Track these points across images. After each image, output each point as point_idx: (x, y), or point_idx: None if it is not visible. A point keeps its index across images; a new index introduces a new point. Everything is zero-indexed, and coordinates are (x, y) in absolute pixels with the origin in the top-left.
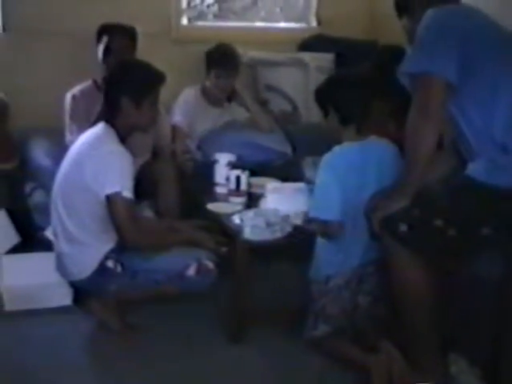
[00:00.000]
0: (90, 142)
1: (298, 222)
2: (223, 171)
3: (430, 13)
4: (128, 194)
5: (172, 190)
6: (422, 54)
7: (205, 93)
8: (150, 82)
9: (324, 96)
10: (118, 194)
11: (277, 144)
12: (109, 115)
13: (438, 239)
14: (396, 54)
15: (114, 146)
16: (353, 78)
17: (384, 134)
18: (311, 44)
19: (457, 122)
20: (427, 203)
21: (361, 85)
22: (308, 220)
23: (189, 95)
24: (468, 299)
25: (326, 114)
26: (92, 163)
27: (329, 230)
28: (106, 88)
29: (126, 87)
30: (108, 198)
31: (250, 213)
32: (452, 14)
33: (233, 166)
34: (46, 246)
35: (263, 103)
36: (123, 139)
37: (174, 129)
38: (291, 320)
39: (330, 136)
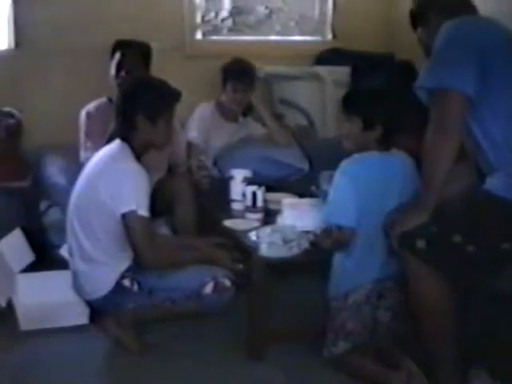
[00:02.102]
0: (105, 159)
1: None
2: (239, 187)
3: (446, 25)
4: (144, 212)
5: (188, 206)
6: (439, 68)
7: (220, 108)
8: (165, 100)
9: (353, 100)
10: (133, 212)
11: (293, 159)
12: (124, 133)
13: (457, 255)
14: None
15: (129, 164)
16: (381, 88)
17: (402, 147)
18: (327, 57)
19: (474, 135)
20: (445, 219)
21: (390, 95)
22: (322, 230)
23: (204, 111)
24: (488, 314)
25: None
26: (107, 181)
27: (341, 237)
28: (120, 106)
29: (141, 105)
30: (124, 216)
31: (267, 229)
32: (469, 26)
33: (249, 181)
34: (61, 264)
35: (279, 118)
36: (139, 157)
37: (190, 145)
38: (310, 337)
39: (347, 150)
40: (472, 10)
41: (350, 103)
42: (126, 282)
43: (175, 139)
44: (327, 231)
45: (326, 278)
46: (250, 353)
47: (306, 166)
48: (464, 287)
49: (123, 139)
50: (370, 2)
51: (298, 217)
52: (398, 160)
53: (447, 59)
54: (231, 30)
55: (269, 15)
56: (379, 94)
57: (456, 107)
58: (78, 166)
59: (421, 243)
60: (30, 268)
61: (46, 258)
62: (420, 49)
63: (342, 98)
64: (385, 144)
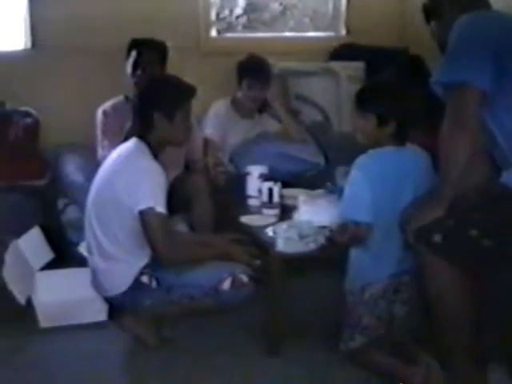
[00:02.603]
0: (122, 157)
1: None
2: (255, 183)
3: (461, 20)
4: (161, 209)
5: (205, 203)
6: (455, 62)
7: (236, 105)
8: (180, 96)
9: (367, 96)
10: (151, 210)
11: (309, 155)
12: (141, 131)
13: (473, 249)
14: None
15: (147, 162)
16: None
17: (415, 142)
18: (341, 53)
19: (491, 129)
20: (461, 213)
21: (403, 90)
22: (338, 226)
23: (220, 108)
24: (506, 309)
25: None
26: (125, 179)
27: (358, 232)
28: (137, 104)
29: (157, 103)
30: (141, 213)
31: (283, 225)
32: (484, 20)
33: (265, 177)
34: (80, 261)
35: (294, 114)
36: (156, 154)
37: (206, 142)
38: (327, 332)
39: (363, 145)
40: (486, 4)
41: (363, 100)
42: (145, 279)
43: (192, 136)
44: (343, 227)
45: (343, 272)
46: (267, 348)
47: (321, 162)
48: (480, 281)
49: (140, 137)
50: None
51: (314, 212)
52: (413, 155)
53: (463, 54)
54: (246, 27)
55: (283, 12)
56: (392, 90)
57: (472, 101)
58: (96, 164)
59: (437, 237)
60: (49, 266)
61: (64, 255)
62: (434, 43)
63: (356, 94)
64: (399, 139)
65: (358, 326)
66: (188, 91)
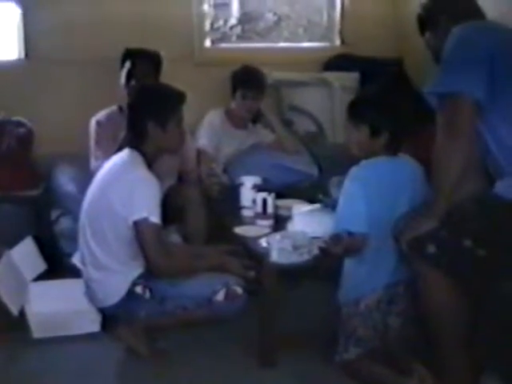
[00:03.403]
0: (116, 168)
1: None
2: (249, 194)
3: (455, 30)
4: (155, 219)
5: (198, 214)
6: (449, 73)
7: (229, 115)
8: (172, 103)
9: (360, 108)
10: (145, 220)
11: (303, 165)
12: (135, 141)
13: (467, 260)
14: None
15: (141, 172)
16: (387, 92)
17: (407, 151)
18: (335, 63)
19: (485, 139)
20: (455, 223)
21: (395, 101)
22: (331, 236)
23: (214, 118)
24: (500, 320)
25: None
26: (119, 189)
27: (352, 243)
28: (129, 115)
29: (149, 112)
30: (136, 223)
31: (277, 236)
32: (478, 30)
33: (259, 188)
34: (73, 272)
35: (288, 124)
36: (150, 164)
37: (200, 152)
38: (321, 343)
39: (356, 156)
40: (480, 14)
41: (356, 111)
42: (138, 289)
43: (185, 146)
44: (338, 237)
45: (337, 283)
46: (261, 359)
47: (315, 172)
48: (475, 292)
49: (134, 147)
50: (378, 7)
51: (308, 223)
52: (407, 165)
53: (457, 64)
54: (240, 38)
55: (277, 22)
56: (385, 101)
57: (466, 112)
58: (89, 175)
59: (431, 248)
60: (42, 277)
61: (57, 266)
62: (428, 54)
63: (348, 105)
64: (392, 149)
65: (353, 338)
66: (178, 97)
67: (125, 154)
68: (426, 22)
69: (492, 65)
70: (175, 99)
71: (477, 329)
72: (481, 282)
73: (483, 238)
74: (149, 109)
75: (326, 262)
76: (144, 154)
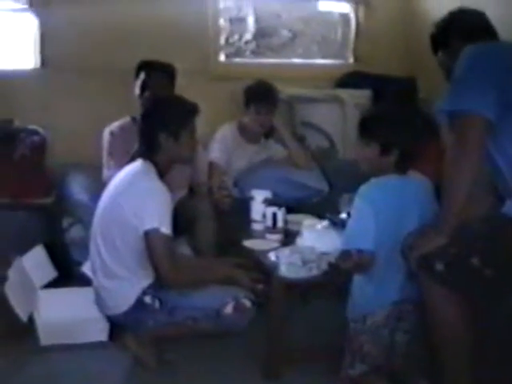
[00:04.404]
0: (129, 178)
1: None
2: (260, 208)
3: (468, 49)
4: (166, 230)
5: (208, 226)
6: (460, 91)
7: (242, 129)
8: (184, 115)
9: (371, 125)
10: (156, 230)
11: (314, 181)
12: (147, 152)
13: (475, 278)
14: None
15: (153, 183)
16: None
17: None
18: (348, 81)
19: (494, 158)
20: (464, 242)
21: (405, 118)
22: (341, 252)
23: (226, 132)
24: (506, 339)
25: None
26: (131, 199)
27: (361, 260)
28: (142, 126)
29: (162, 123)
30: (146, 234)
31: (286, 250)
32: (490, 50)
33: (269, 202)
34: (83, 281)
35: (300, 140)
36: (162, 175)
37: (211, 165)
38: (327, 358)
39: (367, 173)
40: (493, 34)
41: (367, 128)
42: (147, 299)
43: (197, 159)
44: (347, 254)
45: (345, 299)
46: (267, 373)
47: (325, 188)
48: (481, 311)
49: (146, 158)
50: (392, 25)
51: (317, 238)
52: (416, 183)
53: (468, 83)
54: (254, 53)
55: (292, 38)
56: (396, 118)
57: (477, 131)
58: (101, 185)
59: (439, 266)
60: (52, 284)
61: (67, 274)
62: (441, 72)
63: (359, 123)
64: (402, 167)
65: (359, 354)
66: (191, 109)
67: (137, 164)
68: (438, 41)
69: (503, 85)
70: (188, 111)
71: (483, 348)
72: (487, 301)
73: (491, 258)
74: (161, 120)
75: (335, 278)
76: (156, 165)
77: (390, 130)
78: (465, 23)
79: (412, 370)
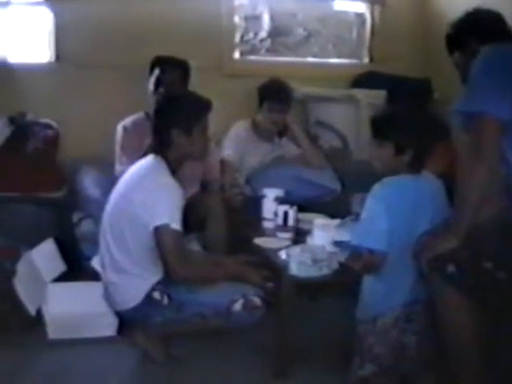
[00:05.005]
0: (140, 173)
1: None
2: (271, 206)
3: (484, 51)
4: (176, 226)
5: (220, 224)
6: (476, 93)
7: (255, 127)
8: (197, 111)
9: (385, 125)
10: (166, 226)
11: (326, 180)
12: (160, 148)
13: (487, 281)
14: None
15: (164, 179)
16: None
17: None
18: (363, 80)
19: (508, 159)
20: (477, 244)
21: (419, 118)
22: (351, 252)
23: (239, 129)
24: None
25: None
26: (142, 195)
27: (372, 261)
28: (154, 122)
29: (174, 119)
30: (156, 229)
31: (297, 249)
32: (507, 52)
33: (281, 201)
34: (92, 275)
35: (313, 139)
36: (174, 171)
37: (224, 162)
38: (336, 358)
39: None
40: (510, 35)
41: (380, 129)
42: (156, 295)
43: (209, 156)
44: (358, 254)
45: (355, 299)
46: (276, 371)
47: (338, 187)
48: (494, 313)
49: (158, 154)
50: (408, 25)
51: (328, 237)
52: (429, 183)
53: (484, 85)
54: (269, 51)
55: (307, 37)
56: (409, 118)
57: (492, 132)
58: (113, 179)
59: (451, 268)
60: (61, 278)
61: (77, 268)
62: (456, 73)
63: (372, 123)
64: (415, 167)
65: (369, 355)
66: (204, 105)
67: (149, 160)
68: (454, 41)
69: None
70: (201, 107)
71: (493, 352)
72: (500, 304)
73: (504, 261)
74: (174, 116)
75: (345, 278)
76: (168, 161)
77: (403, 130)
78: (481, 24)
79: (422, 372)
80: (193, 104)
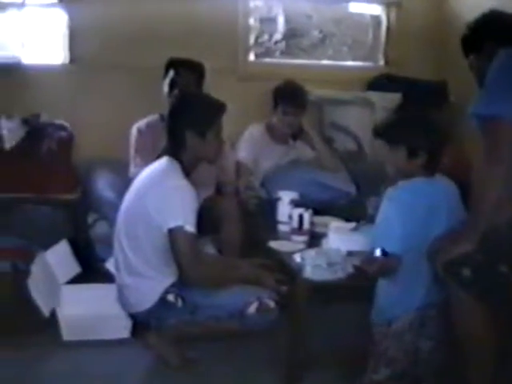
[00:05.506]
0: (154, 175)
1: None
2: (286, 209)
3: (502, 54)
4: (191, 228)
5: (234, 226)
6: (492, 96)
7: (270, 130)
8: (211, 113)
9: (397, 129)
10: (180, 228)
11: (341, 183)
12: (174, 150)
13: (503, 285)
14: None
15: (178, 181)
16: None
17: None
18: (378, 83)
19: None
20: (492, 248)
21: (431, 121)
22: (366, 255)
23: (254, 132)
24: None
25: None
26: (156, 197)
27: (387, 264)
28: (169, 123)
29: (188, 121)
30: (170, 231)
31: (312, 252)
32: None
33: (296, 204)
34: (106, 277)
35: (328, 142)
36: (188, 173)
37: (239, 165)
38: (351, 362)
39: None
40: None
41: (393, 133)
42: (171, 297)
43: (224, 158)
44: (373, 257)
45: (370, 302)
46: (289, 375)
47: (353, 191)
48: (509, 318)
49: (172, 156)
50: (424, 28)
51: (343, 241)
52: (443, 186)
53: (501, 88)
54: (284, 53)
55: (322, 39)
56: (422, 121)
57: (508, 137)
58: (127, 181)
59: (466, 272)
60: (76, 280)
61: (91, 270)
62: (472, 76)
63: (384, 128)
64: (430, 170)
65: (383, 359)
66: (218, 108)
67: (163, 161)
68: (470, 43)
69: None
70: (215, 109)
71: (509, 354)
72: None
73: None
74: (188, 118)
75: (360, 281)
76: (182, 163)
77: (416, 133)
78: (497, 26)
79: (436, 376)
80: (207, 106)
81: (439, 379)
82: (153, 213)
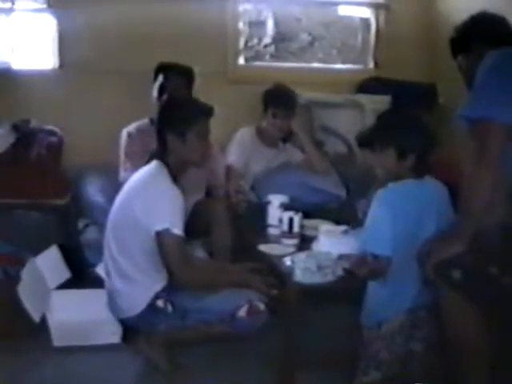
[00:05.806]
0: (142, 179)
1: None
2: (276, 212)
3: (490, 55)
4: (178, 231)
5: (224, 230)
6: (482, 98)
7: (260, 133)
8: (190, 115)
9: (386, 131)
10: (167, 231)
11: (331, 186)
12: (160, 153)
13: (493, 287)
14: None
15: (165, 184)
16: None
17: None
18: (368, 86)
19: None
20: (482, 249)
21: (420, 122)
22: (356, 258)
23: (244, 135)
24: None
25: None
26: (143, 200)
27: (377, 266)
28: (156, 127)
29: (168, 122)
30: (158, 234)
31: (302, 255)
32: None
33: (286, 207)
34: (97, 282)
35: (318, 145)
36: (175, 177)
37: (229, 169)
38: (341, 364)
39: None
40: None
41: (381, 135)
42: (160, 303)
43: (214, 162)
44: (362, 260)
45: (360, 305)
46: (280, 379)
47: (343, 193)
48: (500, 319)
49: (161, 159)
50: (413, 31)
51: (333, 244)
52: (433, 188)
53: (490, 89)
54: (273, 57)
55: (311, 43)
56: (410, 123)
57: (497, 138)
58: (117, 186)
59: (456, 273)
60: (66, 285)
61: (81, 275)
62: (461, 80)
63: (373, 130)
64: (419, 172)
65: (374, 361)
66: (200, 110)
67: (151, 165)
68: (458, 45)
69: None
70: (195, 111)
71: (500, 356)
72: (506, 309)
73: (509, 266)
74: (168, 120)
75: (350, 284)
76: (169, 167)
77: (405, 135)
78: (486, 27)
79: (427, 378)
80: (187, 108)
81: (431, 382)
82: (140, 216)
